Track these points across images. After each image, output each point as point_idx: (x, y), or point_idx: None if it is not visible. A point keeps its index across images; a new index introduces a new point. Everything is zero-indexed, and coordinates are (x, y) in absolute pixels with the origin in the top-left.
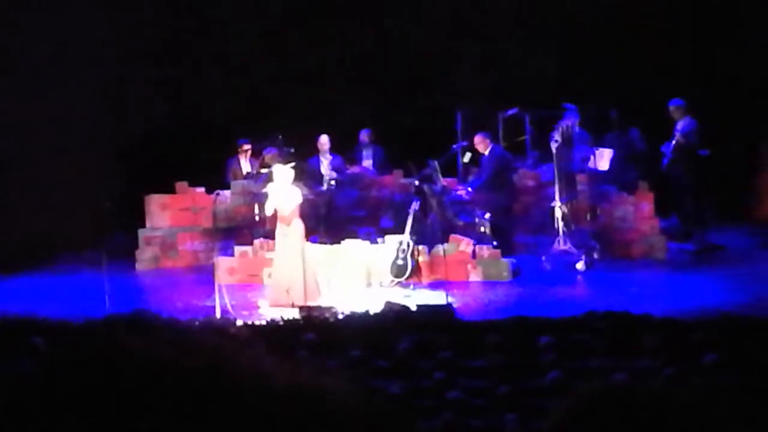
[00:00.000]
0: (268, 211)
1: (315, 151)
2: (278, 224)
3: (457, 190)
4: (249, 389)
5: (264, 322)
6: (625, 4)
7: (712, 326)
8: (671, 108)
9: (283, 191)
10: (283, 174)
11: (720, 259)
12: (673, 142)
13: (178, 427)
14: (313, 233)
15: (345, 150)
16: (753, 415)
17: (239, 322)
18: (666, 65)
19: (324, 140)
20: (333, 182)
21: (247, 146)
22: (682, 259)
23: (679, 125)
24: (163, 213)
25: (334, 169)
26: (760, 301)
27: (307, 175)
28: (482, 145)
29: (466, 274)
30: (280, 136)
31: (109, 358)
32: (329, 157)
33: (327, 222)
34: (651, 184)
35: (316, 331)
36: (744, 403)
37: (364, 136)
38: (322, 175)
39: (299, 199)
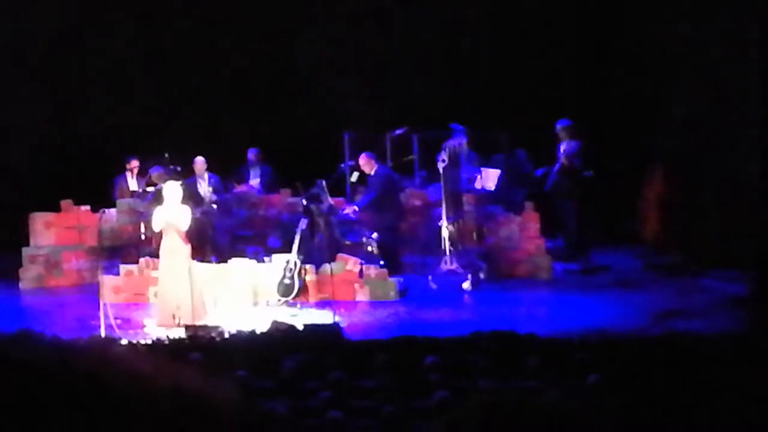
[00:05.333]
0: (158, 228)
1: (191, 173)
2: (164, 243)
3: (344, 210)
4: (131, 393)
5: (149, 341)
6: (513, 26)
7: (596, 346)
8: (558, 128)
9: (175, 208)
10: (173, 192)
11: (604, 279)
12: (557, 163)
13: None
14: (198, 253)
15: (232, 169)
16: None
17: (124, 341)
18: (552, 87)
19: (200, 161)
20: (214, 204)
21: (134, 162)
22: (567, 279)
23: (563, 147)
24: (47, 231)
25: (212, 189)
26: (643, 322)
27: (186, 196)
28: (368, 165)
29: (353, 294)
30: (167, 155)
31: None
32: (207, 177)
33: (212, 242)
34: (537, 205)
35: (201, 351)
36: (623, 419)
37: (251, 155)
38: (201, 197)
39: (190, 217)
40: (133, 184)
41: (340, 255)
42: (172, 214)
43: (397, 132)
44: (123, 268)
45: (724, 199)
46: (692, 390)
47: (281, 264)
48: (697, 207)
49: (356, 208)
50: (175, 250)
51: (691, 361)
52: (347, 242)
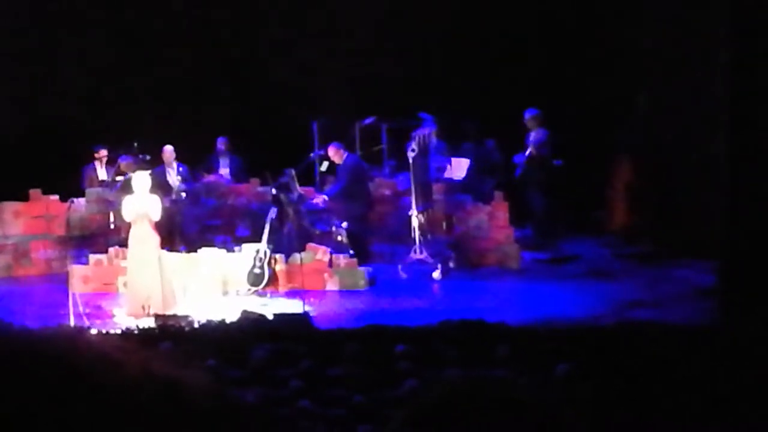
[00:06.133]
0: (129, 218)
1: (160, 162)
2: (132, 232)
3: (313, 199)
4: (101, 381)
5: (119, 331)
6: (481, 14)
7: (565, 336)
8: (527, 118)
9: (145, 198)
10: (142, 181)
11: (573, 268)
12: (526, 152)
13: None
14: (167, 243)
15: (201, 158)
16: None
17: (93, 331)
18: (521, 76)
19: (169, 151)
20: (183, 193)
21: (103, 152)
22: (535, 268)
23: (532, 136)
24: (15, 221)
25: (181, 178)
26: (611, 312)
27: (155, 185)
28: (336, 155)
29: (323, 283)
30: (136, 144)
31: None
32: (175, 167)
33: (180, 232)
34: (506, 194)
35: (171, 340)
36: (591, 409)
37: (220, 144)
38: (170, 186)
39: (160, 207)
40: (102, 173)
41: (309, 244)
42: (143, 204)
43: (366, 121)
44: (92, 257)
45: (692, 188)
46: (658, 381)
47: (251, 253)
48: (665, 196)
49: (326, 197)
50: (144, 239)
51: (657, 352)
52: (317, 231)
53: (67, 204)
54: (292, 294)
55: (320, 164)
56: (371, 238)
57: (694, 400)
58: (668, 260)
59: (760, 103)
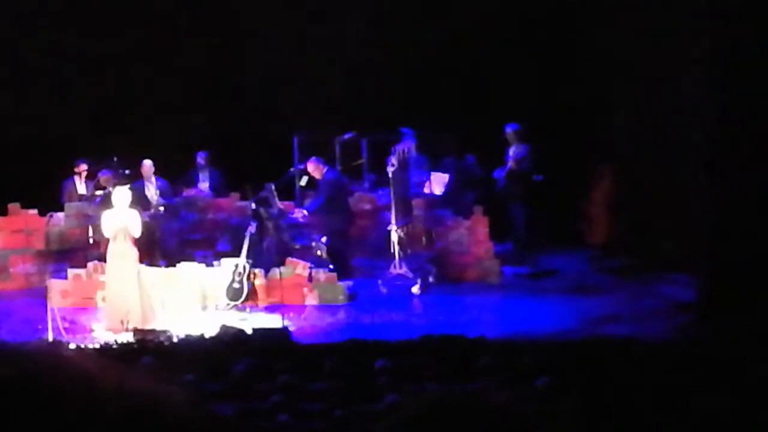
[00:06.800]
0: (109, 233)
1: (139, 176)
2: (111, 247)
3: (293, 213)
4: (79, 396)
5: (97, 346)
6: (462, 29)
7: (545, 350)
8: (507, 132)
9: (124, 213)
10: (122, 196)
11: (553, 282)
12: (506, 167)
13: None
14: (146, 257)
15: (181, 173)
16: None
17: (72, 345)
18: (501, 91)
19: (148, 165)
20: (161, 207)
21: (82, 166)
22: (516, 282)
23: (512, 151)
24: None
25: (160, 193)
26: (592, 325)
27: (134, 200)
28: (316, 170)
29: (303, 298)
30: (116, 158)
31: None
32: (154, 181)
33: (160, 246)
34: (486, 209)
35: (150, 355)
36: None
37: (200, 158)
38: (149, 200)
39: (140, 221)
40: (81, 187)
41: (289, 259)
42: (122, 218)
43: (347, 136)
44: (71, 272)
45: (673, 202)
46: (637, 395)
47: (230, 268)
48: (645, 210)
49: (305, 212)
50: (123, 254)
51: (635, 367)
52: (296, 246)
53: (46, 218)
54: (271, 309)
55: (300, 179)
56: (351, 252)
57: (673, 415)
58: (648, 274)
59: (738, 120)
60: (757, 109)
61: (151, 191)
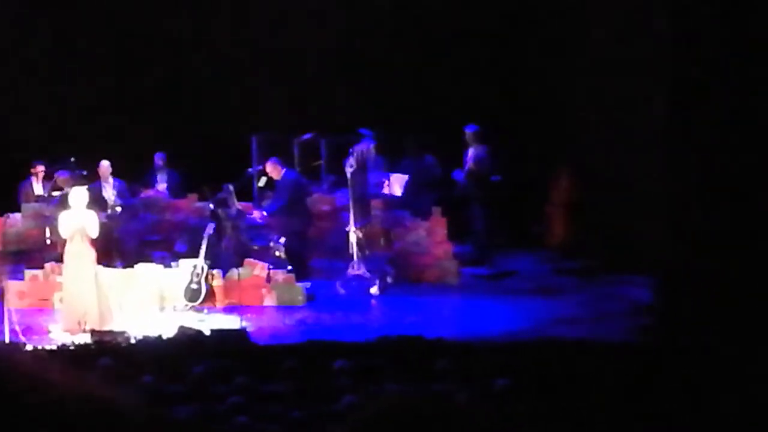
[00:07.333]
0: (66, 234)
1: (97, 177)
2: (68, 247)
3: (252, 214)
4: (36, 399)
5: (54, 347)
6: (422, 30)
7: (504, 351)
8: (467, 134)
9: (82, 214)
10: (79, 196)
11: (512, 283)
12: (466, 168)
13: None
14: (104, 258)
15: (139, 173)
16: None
17: (29, 347)
18: (462, 91)
19: (105, 165)
20: (118, 208)
21: (39, 167)
22: (475, 283)
23: (471, 152)
24: None
25: (117, 194)
26: (550, 326)
27: (92, 201)
28: (275, 171)
29: (261, 299)
30: (73, 159)
31: None
32: (111, 182)
33: (117, 247)
34: (445, 210)
35: (108, 356)
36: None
37: (158, 159)
38: (105, 201)
39: (97, 222)
40: (38, 188)
41: (247, 260)
42: (79, 219)
43: (305, 137)
44: (28, 273)
45: (631, 203)
46: (594, 396)
47: (188, 269)
48: (604, 211)
49: (264, 212)
50: (80, 254)
51: (592, 369)
52: (255, 247)
53: (2, 219)
54: (229, 309)
55: (258, 180)
56: (310, 253)
57: (629, 416)
58: (607, 276)
59: (698, 122)
60: (717, 109)
61: (109, 192)
